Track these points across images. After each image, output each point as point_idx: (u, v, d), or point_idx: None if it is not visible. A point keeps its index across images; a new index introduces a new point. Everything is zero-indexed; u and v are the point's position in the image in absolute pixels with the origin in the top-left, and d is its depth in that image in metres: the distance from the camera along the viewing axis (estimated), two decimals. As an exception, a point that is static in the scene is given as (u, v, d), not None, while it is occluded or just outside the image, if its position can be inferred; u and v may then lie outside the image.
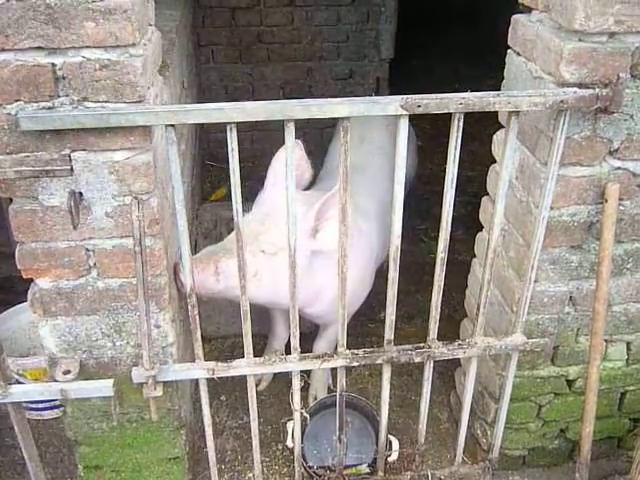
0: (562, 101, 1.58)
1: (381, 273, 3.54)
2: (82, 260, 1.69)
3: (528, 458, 2.40)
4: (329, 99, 1.52)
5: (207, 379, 1.92)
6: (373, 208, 2.64)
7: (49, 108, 1.47)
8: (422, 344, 1.98)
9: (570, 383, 2.23)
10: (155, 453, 2.09)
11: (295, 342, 1.90)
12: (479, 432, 2.37)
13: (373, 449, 2.42)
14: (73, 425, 1.99)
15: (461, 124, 1.60)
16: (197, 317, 1.81)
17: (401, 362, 1.97)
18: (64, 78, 1.45)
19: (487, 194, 2.18)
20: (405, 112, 1.53)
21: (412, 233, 3.88)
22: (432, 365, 2.03)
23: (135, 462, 2.10)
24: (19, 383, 2.41)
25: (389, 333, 1.94)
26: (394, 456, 2.32)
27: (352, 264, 2.00)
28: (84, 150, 1.53)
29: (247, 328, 1.85)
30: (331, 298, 2.27)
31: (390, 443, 2.32)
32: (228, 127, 1.53)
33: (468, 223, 3.61)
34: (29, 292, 1.75)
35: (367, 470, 2.37)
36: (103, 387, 1.78)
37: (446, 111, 1.55)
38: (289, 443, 2.30)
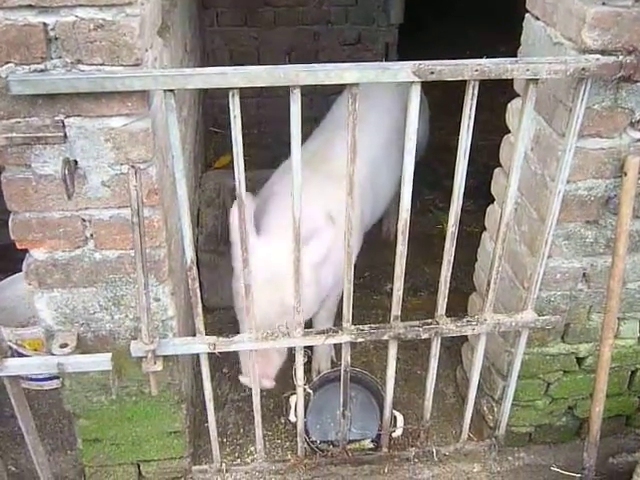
0: (584, 69, 1.49)
1: (387, 244, 3.49)
2: (78, 231, 1.63)
3: (534, 435, 2.37)
4: (337, 64, 1.43)
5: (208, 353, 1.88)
6: (360, 170, 2.52)
7: (41, 71, 1.39)
8: (430, 320, 1.92)
9: (580, 361, 2.18)
10: (155, 427, 2.06)
11: (299, 317, 1.84)
12: (485, 408, 2.33)
13: (377, 424, 2.38)
14: (71, 398, 1.95)
15: (476, 92, 1.52)
16: (198, 290, 1.76)
17: (408, 338, 1.91)
18: (57, 39, 1.37)
19: (498, 165, 2.10)
20: (417, 79, 1.45)
21: (420, 204, 3.80)
22: (439, 341, 1.98)
23: (135, 436, 2.07)
24: (18, 353, 2.40)
25: (396, 309, 1.88)
26: (398, 432, 2.29)
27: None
28: (79, 116, 1.45)
29: (249, 303, 1.79)
30: (338, 291, 2.31)
31: (395, 419, 2.28)
32: (230, 93, 1.45)
33: (477, 194, 3.52)
34: (24, 263, 1.69)
35: (371, 445, 2.33)
36: (101, 361, 1.73)
37: (460, 78, 1.47)
38: (292, 418, 2.27)
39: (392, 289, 3.14)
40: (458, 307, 2.96)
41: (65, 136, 1.45)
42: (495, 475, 2.31)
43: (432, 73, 1.43)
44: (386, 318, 3.02)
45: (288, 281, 1.94)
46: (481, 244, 2.28)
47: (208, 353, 1.88)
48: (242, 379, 2.23)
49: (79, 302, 1.75)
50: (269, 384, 2.18)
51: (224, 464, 2.21)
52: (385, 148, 2.64)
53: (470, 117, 1.55)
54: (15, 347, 2.38)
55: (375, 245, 3.43)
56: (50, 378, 2.47)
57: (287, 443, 2.40)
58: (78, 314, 1.77)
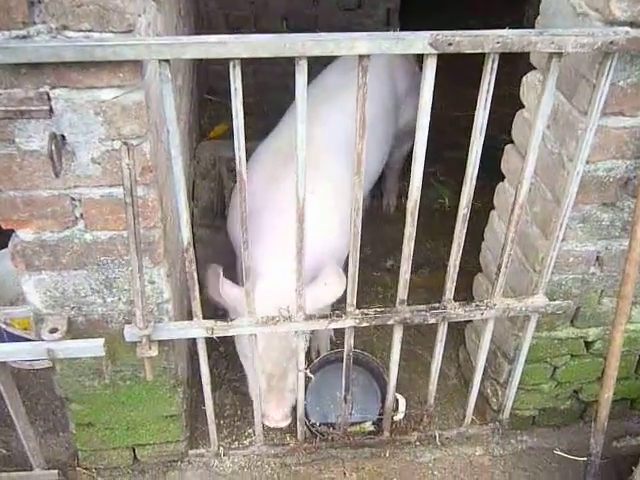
0: (612, 42, 1.38)
1: (387, 219, 3.40)
2: (67, 210, 1.52)
3: (538, 418, 2.32)
4: (347, 34, 1.32)
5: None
6: (345, 143, 2.22)
7: (23, 37, 1.26)
8: (437, 304, 1.84)
9: (588, 345, 2.12)
10: (151, 411, 1.98)
11: (301, 301, 1.76)
12: (489, 392, 2.27)
13: (378, 406, 2.33)
14: (63, 383, 1.87)
15: (495, 65, 1.41)
16: (195, 273, 1.67)
17: (414, 323, 1.84)
18: (40, 2, 1.24)
19: (503, 137, 2.00)
20: (434, 51, 1.34)
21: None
22: (446, 326, 1.90)
23: (130, 420, 2.00)
24: (7, 333, 2.31)
25: (402, 292, 1.80)
26: (400, 415, 2.23)
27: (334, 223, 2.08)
28: (65, 87, 1.33)
29: (249, 286, 1.71)
30: None
31: (397, 402, 2.22)
32: (231, 63, 1.33)
33: (480, 167, 3.43)
34: (9, 244, 1.59)
35: (371, 428, 2.28)
36: (93, 347, 1.65)
37: (480, 51, 1.35)
38: (291, 400, 2.20)
39: (393, 265, 3.06)
40: (461, 286, 2.88)
41: (51, 110, 1.33)
42: (498, 459, 2.27)
43: (450, 45, 1.32)
44: (386, 295, 2.97)
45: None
46: (489, 223, 2.19)
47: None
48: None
49: (69, 285, 1.65)
50: (284, 424, 2.10)
51: (222, 448, 2.15)
52: (371, 123, 2.48)
53: (488, 92, 1.44)
54: (4, 327, 2.29)
55: (375, 220, 3.34)
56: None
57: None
58: (68, 297, 1.68)
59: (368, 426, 2.28)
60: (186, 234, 1.59)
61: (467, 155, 1.60)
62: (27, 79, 1.31)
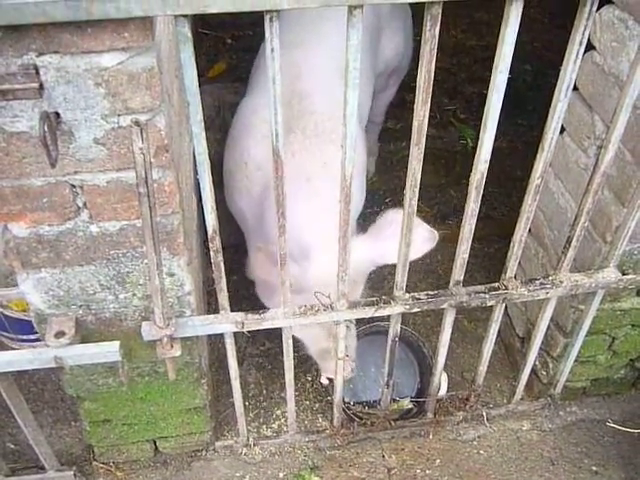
0: None
1: (404, 162, 3.12)
2: (67, 200, 1.26)
3: (589, 388, 2.14)
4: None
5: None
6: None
7: (-2, -9, 0.97)
8: (497, 284, 1.62)
9: (651, 313, 1.92)
10: (173, 405, 1.78)
11: (343, 287, 1.53)
12: (538, 364, 2.08)
13: (415, 380, 2.16)
14: (73, 382, 1.66)
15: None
16: (221, 264, 1.42)
17: (471, 307, 1.61)
18: (16, -58, 0.94)
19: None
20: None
21: (440, 115, 3.40)
22: (504, 306, 1.69)
23: (150, 415, 1.80)
24: (4, 315, 2.08)
25: (459, 273, 1.56)
26: (443, 392, 2.05)
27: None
28: (56, 53, 1.04)
29: (285, 274, 1.47)
30: None
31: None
32: (267, 17, 1.04)
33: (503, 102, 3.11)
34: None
35: (410, 405, 2.10)
36: (107, 352, 1.42)
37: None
38: (323, 380, 2.01)
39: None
40: (490, 236, 2.67)
41: (41, 87, 1.04)
42: (547, 433, 2.10)
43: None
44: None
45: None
46: (543, 182, 1.92)
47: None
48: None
49: (75, 282, 1.41)
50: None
51: (251, 438, 1.96)
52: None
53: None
54: (1, 310, 2.06)
55: (392, 166, 3.07)
56: (43, 339, 2.16)
57: (316, 404, 2.16)
58: (74, 296, 1.43)
59: (406, 403, 2.11)
60: (212, 222, 1.34)
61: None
62: (5, 44, 1.01)
